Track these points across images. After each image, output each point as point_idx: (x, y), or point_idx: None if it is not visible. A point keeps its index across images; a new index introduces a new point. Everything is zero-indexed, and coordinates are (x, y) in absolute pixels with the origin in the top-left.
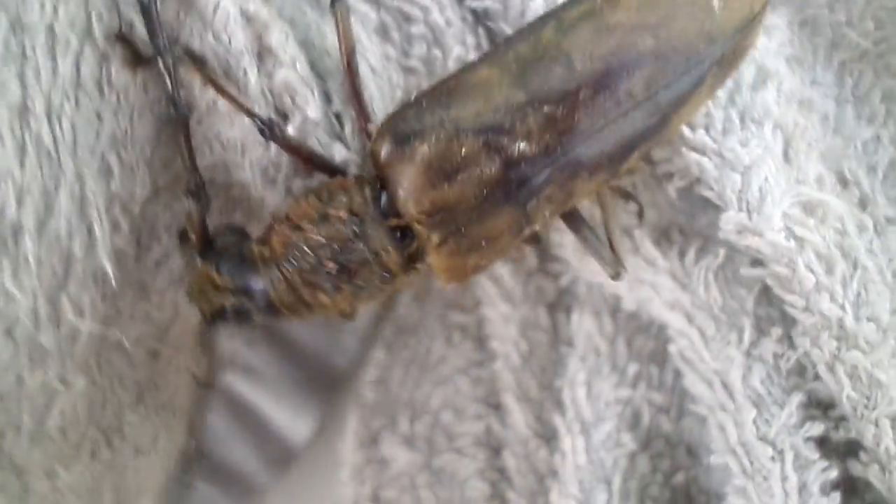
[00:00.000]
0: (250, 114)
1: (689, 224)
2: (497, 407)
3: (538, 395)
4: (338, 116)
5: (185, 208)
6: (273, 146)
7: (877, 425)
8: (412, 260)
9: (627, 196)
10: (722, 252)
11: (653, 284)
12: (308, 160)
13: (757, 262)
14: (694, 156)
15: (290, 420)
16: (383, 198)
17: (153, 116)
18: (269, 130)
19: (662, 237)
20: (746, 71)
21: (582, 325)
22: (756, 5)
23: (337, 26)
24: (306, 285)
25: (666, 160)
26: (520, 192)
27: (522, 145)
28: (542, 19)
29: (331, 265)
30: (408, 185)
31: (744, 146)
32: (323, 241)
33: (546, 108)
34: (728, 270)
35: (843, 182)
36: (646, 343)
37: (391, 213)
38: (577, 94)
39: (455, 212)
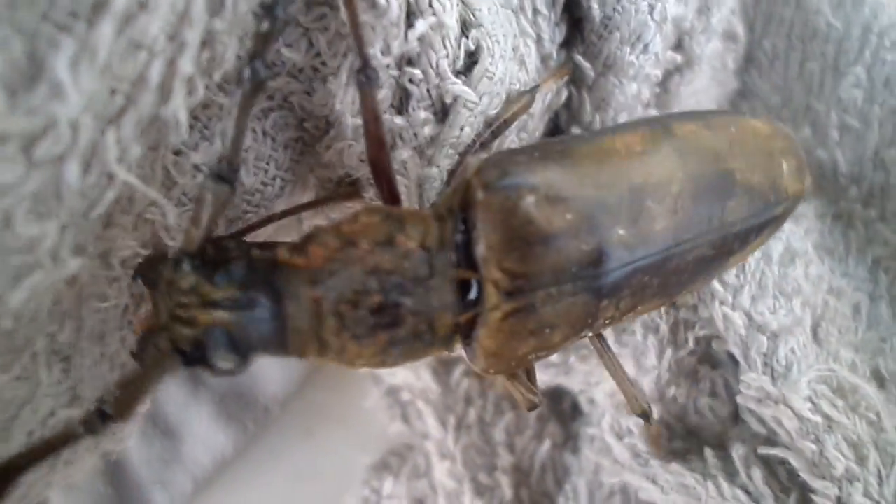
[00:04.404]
0: (360, 44)
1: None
2: None
3: None
4: (471, 55)
5: (201, 192)
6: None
7: None
8: (457, 329)
9: (647, 417)
10: None
11: None
12: (374, 133)
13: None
14: (724, 309)
15: None
16: (458, 239)
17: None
18: (365, 75)
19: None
20: (774, 248)
21: None
22: (805, 184)
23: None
24: (336, 318)
25: (690, 307)
26: (601, 282)
27: (621, 231)
28: (661, 120)
29: (377, 299)
30: (499, 238)
31: (772, 313)
32: (381, 268)
33: (648, 202)
34: None
35: (880, 380)
36: None
37: (463, 264)
38: (677, 197)
39: (535, 283)
